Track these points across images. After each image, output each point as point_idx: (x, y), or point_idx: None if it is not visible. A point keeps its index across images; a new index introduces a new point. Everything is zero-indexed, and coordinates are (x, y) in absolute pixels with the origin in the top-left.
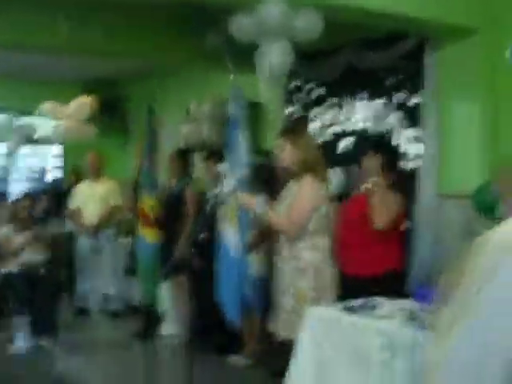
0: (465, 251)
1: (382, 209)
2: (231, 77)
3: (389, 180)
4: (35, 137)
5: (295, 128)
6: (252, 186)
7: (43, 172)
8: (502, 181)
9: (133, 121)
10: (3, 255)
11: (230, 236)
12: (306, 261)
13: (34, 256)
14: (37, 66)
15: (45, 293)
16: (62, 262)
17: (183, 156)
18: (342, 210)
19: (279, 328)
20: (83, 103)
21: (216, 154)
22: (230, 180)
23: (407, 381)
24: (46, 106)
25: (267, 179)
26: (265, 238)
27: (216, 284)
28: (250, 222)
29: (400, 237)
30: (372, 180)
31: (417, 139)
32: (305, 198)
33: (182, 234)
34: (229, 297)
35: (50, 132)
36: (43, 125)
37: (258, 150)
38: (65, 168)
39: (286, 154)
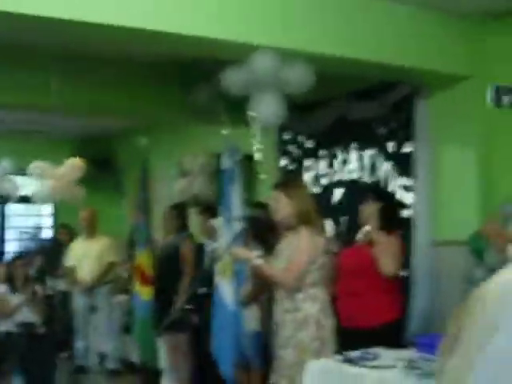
0: (463, 301)
1: (388, 256)
2: (224, 131)
3: (389, 227)
4: (20, 195)
5: (289, 180)
6: (247, 239)
7: (37, 231)
8: (489, 229)
9: (125, 177)
10: (1, 315)
11: (226, 290)
12: (307, 312)
13: (31, 315)
14: (27, 123)
15: (43, 352)
16: (59, 321)
17: (178, 211)
18: (338, 261)
19: (281, 382)
20: (75, 165)
21: (210, 208)
22: (224, 234)
23: None
24: (36, 165)
25: (262, 232)
26: (261, 291)
27: (211, 337)
28: (245, 276)
29: (398, 286)
30: (365, 230)
31: (410, 188)
32: (303, 250)
33: (180, 289)
34: (223, 350)
35: (35, 192)
36: (34, 183)
37: (253, 202)
38: (56, 226)
39: (281, 206)
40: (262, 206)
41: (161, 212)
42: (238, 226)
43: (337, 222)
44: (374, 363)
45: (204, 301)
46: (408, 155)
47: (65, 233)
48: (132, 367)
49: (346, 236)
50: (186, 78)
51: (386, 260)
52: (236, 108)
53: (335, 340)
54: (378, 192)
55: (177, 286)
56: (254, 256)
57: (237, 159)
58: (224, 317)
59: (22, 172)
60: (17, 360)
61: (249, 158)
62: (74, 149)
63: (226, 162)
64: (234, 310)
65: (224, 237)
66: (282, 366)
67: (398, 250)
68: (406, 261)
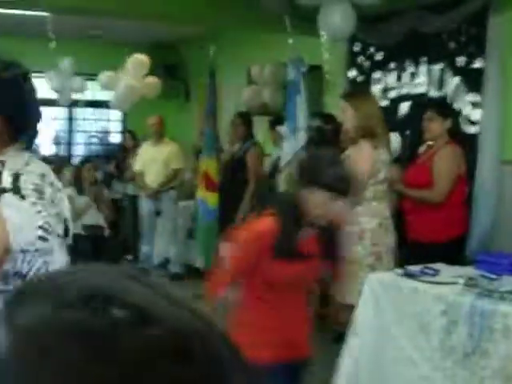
0: None
1: (442, 178)
2: (290, 41)
3: (452, 142)
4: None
5: (358, 91)
6: (311, 149)
7: (105, 135)
8: None
9: (194, 84)
10: None
11: None
12: (363, 226)
13: (97, 218)
14: (98, 29)
15: (109, 254)
16: (126, 225)
17: (245, 120)
18: (404, 175)
19: (335, 292)
20: (139, 60)
21: (277, 117)
22: (289, 145)
23: (467, 347)
24: (103, 78)
25: (327, 143)
26: None
27: None
28: None
29: (461, 202)
30: (393, 170)
31: (478, 105)
32: (362, 163)
33: (245, 196)
34: None
35: (111, 96)
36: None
37: (320, 113)
38: (124, 132)
39: (347, 117)
40: (329, 117)
41: (228, 120)
42: (302, 136)
43: (403, 136)
44: (434, 279)
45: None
46: (478, 71)
47: (130, 138)
48: (195, 272)
49: (411, 150)
50: None
51: (439, 185)
52: (305, 17)
53: (393, 255)
54: (442, 107)
55: (242, 194)
56: None
57: (302, 70)
58: None
59: (90, 77)
60: (83, 262)
61: (317, 68)
62: (142, 54)
63: (291, 73)
64: None
65: (288, 147)
66: None
67: (450, 171)
68: (470, 177)
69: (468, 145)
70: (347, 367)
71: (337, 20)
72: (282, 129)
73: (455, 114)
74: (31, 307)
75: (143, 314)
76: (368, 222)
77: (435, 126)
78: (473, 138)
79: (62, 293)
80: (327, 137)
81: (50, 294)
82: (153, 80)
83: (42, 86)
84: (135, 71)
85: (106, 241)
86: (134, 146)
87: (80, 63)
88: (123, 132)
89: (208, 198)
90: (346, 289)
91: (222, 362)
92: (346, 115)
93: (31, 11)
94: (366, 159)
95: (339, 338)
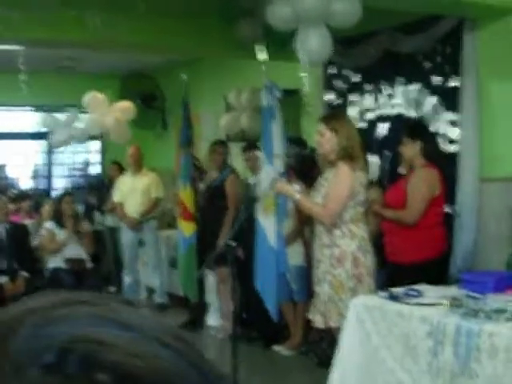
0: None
1: (414, 201)
2: (263, 67)
3: (427, 165)
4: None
5: (335, 114)
6: (290, 175)
7: (86, 166)
8: None
9: (170, 113)
10: (48, 250)
11: (268, 225)
12: (343, 249)
13: (78, 251)
14: (69, 60)
15: (91, 287)
16: (107, 256)
17: (224, 147)
18: (384, 196)
19: (315, 316)
20: (128, 106)
21: (255, 144)
22: (265, 171)
23: (455, 368)
24: (91, 96)
25: (305, 168)
26: (303, 226)
27: (254, 274)
28: (287, 211)
29: (437, 223)
30: (370, 197)
31: (456, 123)
32: (341, 185)
33: (224, 224)
34: (266, 287)
35: (91, 126)
36: (82, 119)
37: (295, 138)
38: (104, 163)
39: (325, 140)
40: (305, 143)
41: (206, 148)
42: (278, 162)
43: (382, 157)
44: (418, 300)
45: (249, 236)
46: (454, 89)
47: (115, 169)
48: (180, 301)
49: (390, 171)
50: (228, 12)
51: (412, 207)
52: (280, 42)
53: (374, 279)
54: (418, 130)
55: (221, 221)
56: (295, 190)
57: (277, 95)
58: (266, 254)
59: (67, 110)
60: None
61: (293, 92)
62: (119, 84)
63: (266, 99)
64: (277, 248)
65: (265, 173)
66: (317, 302)
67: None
68: (450, 196)
69: (448, 164)
70: None
71: (314, 44)
72: (260, 157)
73: (432, 135)
74: None
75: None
76: (348, 245)
77: (406, 149)
78: (452, 156)
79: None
80: (306, 162)
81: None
82: (126, 104)
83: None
84: (122, 115)
85: (89, 273)
86: (116, 176)
87: (55, 94)
88: (102, 163)
89: (184, 228)
90: (328, 313)
91: None
92: (324, 138)
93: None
94: (344, 181)
95: (324, 362)
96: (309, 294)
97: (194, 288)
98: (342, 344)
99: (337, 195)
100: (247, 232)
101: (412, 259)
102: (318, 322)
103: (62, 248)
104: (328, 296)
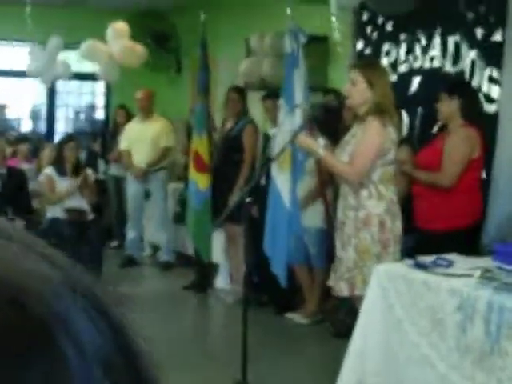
0: None
1: (452, 163)
2: (288, 10)
3: (466, 125)
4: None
5: (373, 64)
6: (312, 129)
7: (91, 110)
8: None
9: (185, 55)
10: (48, 200)
11: (283, 183)
12: (369, 211)
13: (80, 201)
14: None
15: (91, 241)
16: (110, 208)
17: (241, 94)
18: (416, 157)
19: (339, 284)
20: (117, 28)
21: (276, 92)
22: (285, 123)
23: (485, 346)
24: (86, 46)
25: (330, 122)
26: (326, 185)
27: (264, 235)
28: (306, 169)
29: (474, 188)
30: (399, 157)
31: (498, 80)
32: (370, 141)
33: (239, 179)
34: (276, 250)
35: (95, 67)
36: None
37: (323, 88)
38: (109, 107)
39: (357, 92)
40: (333, 93)
41: (222, 95)
42: (300, 114)
43: (413, 114)
44: (448, 271)
45: (266, 193)
46: (498, 44)
47: (122, 114)
48: (186, 260)
49: (422, 130)
50: None
51: (449, 169)
52: None
53: (400, 246)
54: (457, 87)
55: (236, 176)
56: (318, 146)
57: (301, 41)
58: (279, 215)
59: (76, 47)
60: (64, 249)
61: (319, 39)
62: (130, 23)
63: (289, 44)
64: (290, 210)
65: (284, 125)
66: (341, 268)
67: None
68: (487, 161)
69: (486, 125)
70: (353, 369)
71: None
72: (280, 104)
73: (473, 93)
74: None
75: None
76: (375, 207)
77: (443, 107)
78: (490, 117)
79: None
80: (331, 115)
81: None
82: (138, 48)
83: (20, 56)
84: (115, 40)
85: (90, 225)
86: (126, 123)
87: (61, 32)
88: (107, 107)
89: (198, 180)
90: (352, 280)
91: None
92: (357, 89)
93: None
94: (374, 138)
95: (341, 332)
96: (328, 259)
97: (208, 247)
98: (362, 316)
99: (365, 152)
100: (264, 189)
101: (444, 226)
102: (342, 289)
103: (63, 197)
104: (353, 261)
